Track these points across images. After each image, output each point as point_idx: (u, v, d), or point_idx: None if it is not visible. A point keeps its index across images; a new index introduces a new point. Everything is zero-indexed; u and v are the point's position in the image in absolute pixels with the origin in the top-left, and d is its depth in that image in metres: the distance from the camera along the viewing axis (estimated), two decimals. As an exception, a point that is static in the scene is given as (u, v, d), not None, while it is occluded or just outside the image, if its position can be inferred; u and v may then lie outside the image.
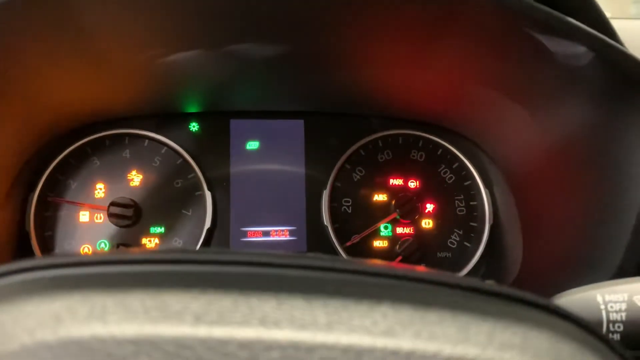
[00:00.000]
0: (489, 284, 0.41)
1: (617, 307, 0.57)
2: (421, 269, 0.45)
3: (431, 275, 0.39)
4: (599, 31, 0.72)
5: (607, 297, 0.58)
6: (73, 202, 1.12)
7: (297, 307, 0.31)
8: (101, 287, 0.32)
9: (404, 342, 0.29)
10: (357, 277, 0.36)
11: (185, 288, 0.32)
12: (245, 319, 0.30)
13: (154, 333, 0.28)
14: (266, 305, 0.31)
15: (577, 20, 0.71)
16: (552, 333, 0.34)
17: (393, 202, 1.19)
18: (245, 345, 0.29)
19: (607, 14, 0.78)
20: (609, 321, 0.57)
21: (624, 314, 0.57)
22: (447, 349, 0.30)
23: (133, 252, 0.39)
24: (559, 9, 0.70)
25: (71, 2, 0.66)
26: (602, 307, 0.58)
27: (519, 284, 1.06)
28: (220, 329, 0.29)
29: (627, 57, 0.72)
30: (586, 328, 0.38)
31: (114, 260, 0.35)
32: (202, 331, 0.29)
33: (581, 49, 0.72)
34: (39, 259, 0.36)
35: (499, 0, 0.68)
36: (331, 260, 0.40)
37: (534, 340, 0.32)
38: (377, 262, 0.43)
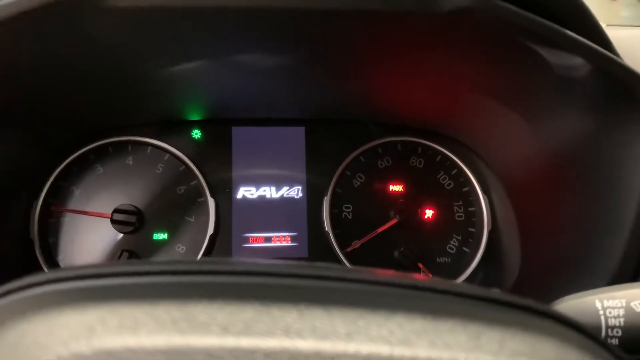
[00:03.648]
0: (495, 292, 0.43)
1: (615, 312, 0.59)
2: (429, 278, 0.47)
3: (440, 284, 0.41)
4: (595, 43, 0.73)
5: (606, 303, 0.59)
6: (76, 211, 1.14)
7: (317, 317, 0.32)
8: (129, 299, 0.33)
9: (421, 351, 0.31)
10: (372, 287, 0.38)
11: (209, 299, 0.34)
12: (269, 329, 0.31)
13: (183, 344, 0.30)
14: (288, 315, 0.32)
15: (574, 32, 0.72)
16: (557, 340, 0.36)
17: (393, 208, 1.21)
18: (271, 354, 0.30)
19: (599, 19, 0.79)
20: (607, 326, 0.58)
21: (622, 320, 0.58)
22: (461, 357, 0.31)
23: (156, 264, 0.40)
24: (556, 21, 0.72)
25: (82, 17, 0.68)
26: (601, 312, 0.59)
27: (517, 289, 1.08)
28: (247, 339, 0.30)
29: (624, 69, 0.74)
30: (589, 335, 0.40)
31: (138, 271, 0.37)
32: (230, 341, 0.30)
33: (578, 60, 0.74)
34: (67, 271, 0.38)
35: (497, 13, 0.69)
36: (344, 270, 0.42)
37: (541, 347, 0.34)
38: (388, 272, 0.45)
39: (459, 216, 1.23)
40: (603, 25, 0.81)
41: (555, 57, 0.76)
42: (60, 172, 1.14)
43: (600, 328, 0.58)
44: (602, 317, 0.59)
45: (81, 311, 0.32)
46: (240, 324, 0.31)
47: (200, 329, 0.31)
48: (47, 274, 0.37)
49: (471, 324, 0.35)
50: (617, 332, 0.58)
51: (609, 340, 0.58)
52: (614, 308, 0.59)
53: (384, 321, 0.33)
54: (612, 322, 0.59)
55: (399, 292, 0.38)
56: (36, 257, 1.10)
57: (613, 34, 0.80)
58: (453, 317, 0.35)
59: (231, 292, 0.35)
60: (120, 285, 0.35)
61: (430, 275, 1.19)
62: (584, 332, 0.40)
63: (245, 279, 0.37)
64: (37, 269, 1.10)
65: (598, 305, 0.60)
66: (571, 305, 0.61)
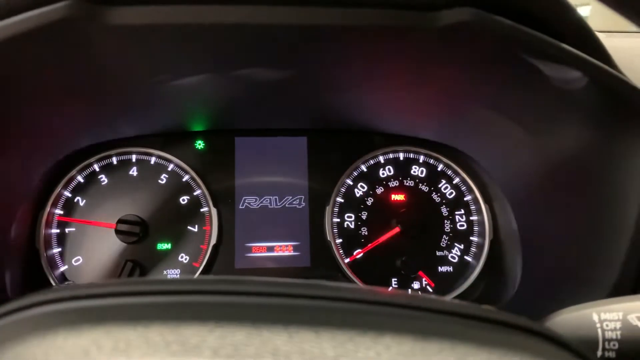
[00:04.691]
0: (485, 309, 0.43)
1: (612, 325, 0.59)
2: (418, 295, 0.47)
3: (430, 302, 0.41)
4: (593, 55, 0.74)
5: (603, 316, 0.59)
6: (81, 221, 1.15)
7: (306, 339, 0.33)
8: (123, 320, 0.34)
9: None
10: (363, 307, 0.38)
11: (201, 321, 0.34)
12: (258, 352, 0.32)
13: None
14: (278, 338, 0.33)
15: (571, 45, 0.73)
16: (545, 360, 0.36)
17: (395, 217, 1.21)
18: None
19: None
20: (604, 339, 0.58)
21: (619, 332, 0.58)
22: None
23: (151, 283, 0.41)
24: (553, 35, 0.72)
25: (86, 34, 0.69)
26: (598, 325, 0.59)
27: (519, 299, 1.08)
28: (236, 362, 0.31)
29: (620, 81, 0.74)
30: (580, 355, 0.40)
31: (132, 291, 0.38)
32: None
33: (576, 74, 0.74)
34: (62, 291, 0.38)
35: (493, 27, 0.70)
36: (338, 289, 0.42)
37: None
38: (376, 289, 0.45)
39: (460, 225, 1.23)
40: (602, 34, 0.81)
41: (553, 70, 0.76)
42: (65, 183, 1.16)
43: (597, 341, 0.58)
44: (599, 330, 0.59)
45: (77, 333, 0.33)
46: (229, 347, 0.32)
47: (192, 352, 0.31)
48: (43, 294, 0.38)
49: (460, 345, 0.35)
50: (614, 345, 0.58)
51: (606, 354, 0.58)
52: (610, 321, 0.59)
53: (372, 343, 0.33)
54: (609, 335, 0.59)
55: (388, 311, 0.38)
56: (41, 266, 1.11)
57: (611, 43, 0.80)
58: (442, 338, 0.36)
59: (223, 313, 0.35)
60: (115, 306, 0.36)
61: (432, 284, 1.20)
62: (574, 351, 0.40)
63: (238, 298, 0.38)
64: (42, 278, 1.11)
65: (595, 318, 0.60)
66: (568, 318, 0.61)
